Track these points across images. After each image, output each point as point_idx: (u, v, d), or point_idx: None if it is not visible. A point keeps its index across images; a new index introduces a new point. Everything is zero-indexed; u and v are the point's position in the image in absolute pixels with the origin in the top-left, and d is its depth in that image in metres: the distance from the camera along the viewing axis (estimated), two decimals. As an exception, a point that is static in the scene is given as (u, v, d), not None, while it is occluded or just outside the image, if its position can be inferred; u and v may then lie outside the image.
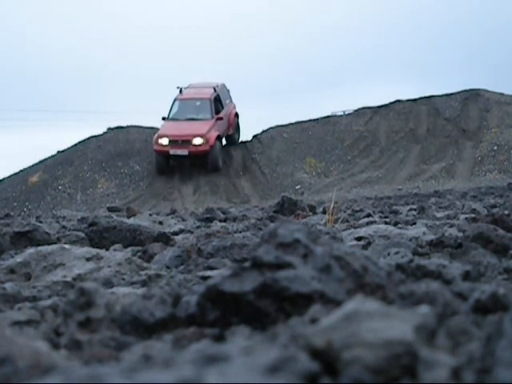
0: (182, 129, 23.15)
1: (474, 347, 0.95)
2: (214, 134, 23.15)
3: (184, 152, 22.84)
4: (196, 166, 23.89)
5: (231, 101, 26.79)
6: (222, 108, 24.82)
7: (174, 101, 24.72)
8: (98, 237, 3.75)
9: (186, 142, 22.79)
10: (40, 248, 2.68)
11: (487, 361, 0.81)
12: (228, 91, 26.67)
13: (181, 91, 24.95)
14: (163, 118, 24.29)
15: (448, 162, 26.23)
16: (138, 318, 1.32)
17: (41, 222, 7.35)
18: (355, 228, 4.05)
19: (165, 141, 22.86)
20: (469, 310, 1.19)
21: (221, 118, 24.26)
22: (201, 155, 23.12)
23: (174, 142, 22.81)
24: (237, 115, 27.07)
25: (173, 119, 23.88)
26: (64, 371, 0.80)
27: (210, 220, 6.77)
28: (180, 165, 24.01)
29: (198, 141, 22.87)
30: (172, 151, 22.91)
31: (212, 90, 24.71)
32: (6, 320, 1.44)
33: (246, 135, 28.42)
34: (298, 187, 25.28)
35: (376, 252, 2.47)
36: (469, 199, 10.33)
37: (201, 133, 22.82)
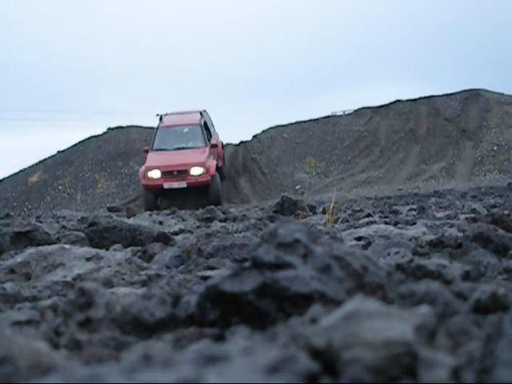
0: (174, 159, 19.29)
1: (474, 347, 0.96)
2: (213, 163, 19.47)
3: (182, 184, 18.77)
4: (193, 200, 19.60)
5: (215, 129, 23.36)
6: (211, 136, 21.35)
7: (157, 129, 20.80)
8: (98, 237, 3.75)
9: (183, 173, 18.78)
10: (40, 248, 2.68)
11: (487, 361, 0.81)
12: (210, 118, 23.22)
13: (161, 119, 21.23)
14: (145, 151, 20.34)
15: (448, 162, 26.25)
16: (138, 317, 1.32)
17: (41, 222, 7.35)
18: (355, 228, 4.05)
19: (156, 173, 18.78)
20: (469, 310, 1.19)
21: (215, 146, 20.68)
22: (201, 187, 19.12)
23: (167, 174, 18.75)
24: (222, 145, 23.75)
25: (159, 150, 19.96)
26: (64, 371, 0.80)
27: (209, 220, 6.77)
28: (174, 200, 19.53)
29: (197, 170, 18.87)
30: (166, 185, 18.74)
31: (199, 115, 21.25)
32: (6, 320, 1.44)
33: (246, 135, 28.25)
34: (297, 187, 25.30)
35: (376, 252, 2.47)
36: (469, 199, 10.33)
37: (200, 161, 19.05)
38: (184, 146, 20.11)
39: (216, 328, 1.21)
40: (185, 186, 18.82)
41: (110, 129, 30.39)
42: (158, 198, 19.53)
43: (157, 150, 19.98)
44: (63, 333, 1.36)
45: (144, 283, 2.13)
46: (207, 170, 18.98)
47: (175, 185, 18.85)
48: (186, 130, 20.63)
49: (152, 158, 19.52)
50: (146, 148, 20.56)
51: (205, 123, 21.31)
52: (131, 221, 4.59)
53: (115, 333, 1.31)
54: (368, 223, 4.50)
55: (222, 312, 1.24)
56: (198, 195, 19.48)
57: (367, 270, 1.27)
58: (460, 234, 2.67)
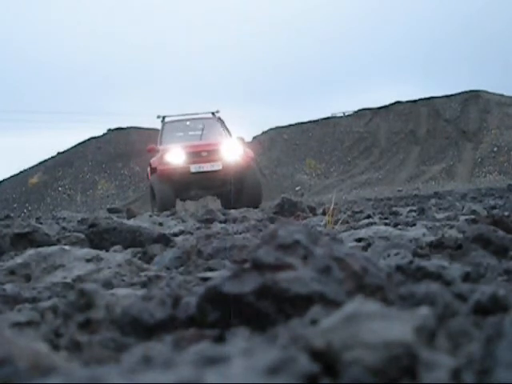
0: (199, 141, 14.80)
1: (473, 348, 0.95)
2: (248, 150, 14.78)
3: (215, 166, 13.77)
4: (226, 190, 14.39)
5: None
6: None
7: (164, 125, 15.95)
8: (98, 238, 3.75)
9: (215, 153, 13.93)
10: (40, 249, 2.68)
11: (487, 362, 0.81)
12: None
13: (163, 120, 16.32)
14: (150, 150, 15.16)
15: (448, 164, 26.25)
16: (137, 319, 1.32)
17: (41, 224, 7.34)
18: (355, 229, 4.04)
19: (179, 156, 13.85)
20: (469, 311, 1.19)
21: (242, 140, 15.66)
22: (238, 172, 13.91)
23: (194, 155, 13.85)
24: None
25: (172, 142, 14.86)
26: (64, 372, 0.80)
27: (209, 221, 6.76)
28: (201, 189, 14.47)
29: (232, 150, 14.04)
30: (194, 167, 13.72)
31: (210, 115, 16.60)
32: (6, 321, 1.44)
33: (245, 136, 28.18)
34: (297, 188, 25.31)
35: (376, 253, 2.46)
36: (469, 200, 10.33)
37: (233, 141, 14.66)
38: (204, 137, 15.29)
39: (216, 329, 1.21)
40: (220, 167, 13.81)
41: (110, 130, 30.44)
42: (176, 190, 14.05)
43: (167, 143, 15.03)
44: (63, 334, 1.36)
45: (144, 284, 2.13)
46: (244, 152, 14.28)
47: (207, 167, 13.83)
48: (201, 124, 16.15)
49: (167, 146, 14.46)
50: (152, 146, 15.45)
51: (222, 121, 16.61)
52: (131, 222, 4.59)
53: (115, 334, 1.31)
54: (368, 224, 4.50)
55: (222, 313, 1.24)
56: (234, 184, 14.25)
57: (367, 271, 1.27)
58: (460, 236, 2.67)
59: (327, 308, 1.09)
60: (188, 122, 16.24)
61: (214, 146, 14.10)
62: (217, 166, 13.83)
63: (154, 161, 14.51)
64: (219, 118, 16.24)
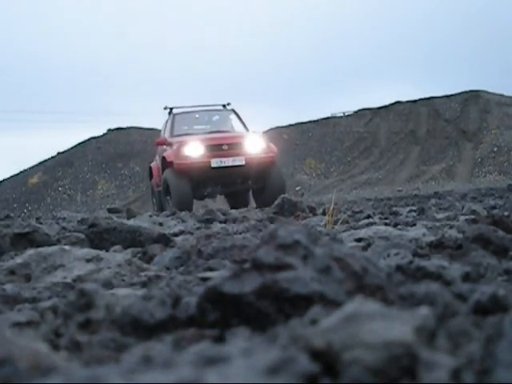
0: (219, 134, 13.50)
1: (473, 348, 0.95)
2: (272, 144, 13.28)
3: (238, 161, 12.50)
4: (248, 187, 13.27)
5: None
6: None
7: (174, 116, 14.52)
8: (98, 238, 3.75)
9: (237, 147, 12.63)
10: (40, 249, 2.68)
11: (487, 362, 0.81)
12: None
13: (170, 112, 15.01)
14: (160, 143, 13.87)
15: (448, 164, 26.25)
16: (137, 319, 1.32)
17: (41, 224, 7.34)
18: (355, 229, 4.04)
19: (198, 149, 12.46)
20: (469, 311, 1.19)
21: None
22: (261, 168, 12.79)
23: (215, 149, 12.52)
24: None
25: (185, 135, 13.54)
26: (64, 372, 0.80)
27: (209, 221, 6.76)
28: (221, 185, 13.10)
29: (255, 144, 12.81)
30: (215, 162, 12.42)
31: (221, 107, 15.40)
32: (6, 321, 1.44)
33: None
34: (297, 188, 25.31)
35: (376, 253, 2.46)
36: (469, 200, 10.32)
37: (256, 134, 13.41)
38: (220, 130, 14.10)
39: (216, 329, 1.21)
40: (242, 162, 12.57)
41: (110, 130, 30.44)
42: (194, 187, 12.72)
43: (178, 135, 13.64)
44: (63, 334, 1.36)
45: (144, 284, 2.13)
46: (268, 146, 12.97)
47: (228, 161, 12.53)
48: (215, 117, 14.96)
49: (183, 139, 13.04)
50: (161, 139, 14.03)
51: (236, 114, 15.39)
52: (131, 222, 4.59)
53: (115, 334, 1.31)
54: (368, 224, 4.49)
55: (222, 313, 1.24)
56: (257, 181, 13.12)
57: (367, 271, 1.27)
58: (460, 236, 2.67)
59: (327, 308, 1.09)
60: (198, 115, 14.84)
61: (237, 139, 12.83)
62: (239, 161, 12.55)
63: (168, 154, 12.83)
64: (233, 110, 15.04)
